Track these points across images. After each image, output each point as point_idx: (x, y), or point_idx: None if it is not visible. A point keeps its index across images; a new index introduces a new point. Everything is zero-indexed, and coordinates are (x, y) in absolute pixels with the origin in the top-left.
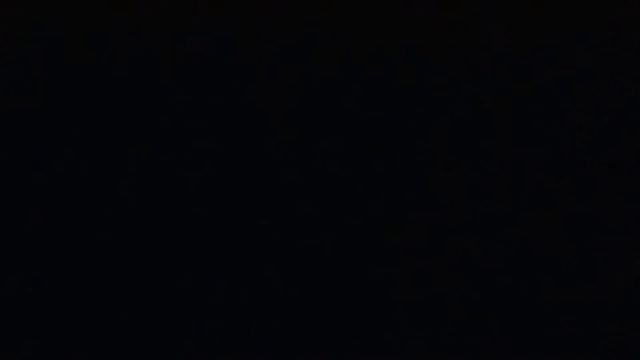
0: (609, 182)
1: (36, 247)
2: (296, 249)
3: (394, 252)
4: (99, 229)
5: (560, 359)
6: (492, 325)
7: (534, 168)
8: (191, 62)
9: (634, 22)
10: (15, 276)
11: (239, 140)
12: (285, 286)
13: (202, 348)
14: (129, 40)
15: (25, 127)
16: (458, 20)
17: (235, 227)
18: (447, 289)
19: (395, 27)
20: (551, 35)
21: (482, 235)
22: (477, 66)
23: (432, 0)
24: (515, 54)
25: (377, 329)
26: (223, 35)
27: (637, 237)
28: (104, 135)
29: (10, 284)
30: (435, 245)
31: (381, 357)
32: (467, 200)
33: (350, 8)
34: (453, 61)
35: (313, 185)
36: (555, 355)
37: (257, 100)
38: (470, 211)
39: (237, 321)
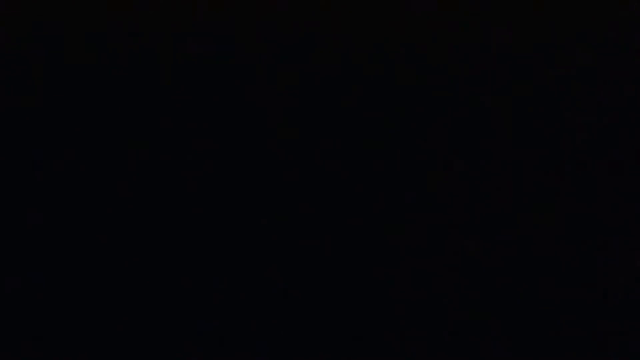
0: (609, 182)
1: (36, 247)
2: (296, 249)
3: (394, 252)
4: (99, 229)
5: (560, 359)
6: (492, 325)
7: (534, 168)
8: (191, 62)
9: (634, 22)
10: (15, 276)
11: (239, 140)
12: (285, 286)
13: (202, 348)
14: (129, 40)
15: (25, 127)
16: (458, 20)
17: (235, 227)
18: (447, 289)
19: (395, 27)
20: (551, 35)
21: (482, 235)
22: (477, 66)
23: (432, 0)
24: (515, 54)
25: (377, 329)
26: (223, 35)
27: (637, 237)
28: (104, 135)
29: (10, 284)
30: (435, 245)
31: (381, 357)
32: (467, 200)
33: (350, 8)
34: (453, 61)
35: (313, 185)
36: (555, 355)
37: (257, 100)
38: (470, 211)
39: (237, 321)
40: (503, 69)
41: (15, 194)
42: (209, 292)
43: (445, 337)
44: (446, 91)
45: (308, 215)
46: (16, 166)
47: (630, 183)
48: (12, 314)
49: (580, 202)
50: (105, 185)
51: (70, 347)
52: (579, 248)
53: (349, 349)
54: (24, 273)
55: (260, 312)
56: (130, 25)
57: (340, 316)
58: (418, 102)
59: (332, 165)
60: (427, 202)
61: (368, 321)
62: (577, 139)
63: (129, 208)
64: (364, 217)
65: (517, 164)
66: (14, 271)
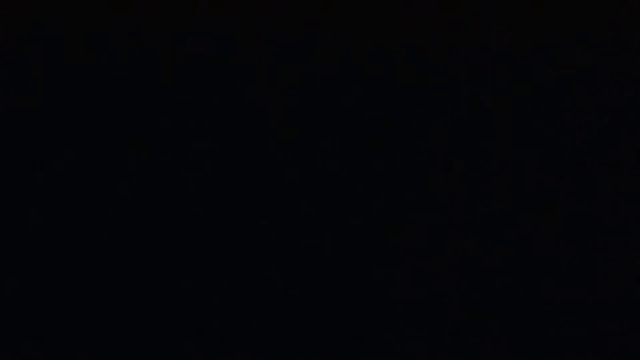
0: (609, 182)
1: (36, 247)
2: (296, 249)
3: (394, 252)
4: (98, 229)
5: (560, 359)
6: (492, 325)
7: (534, 168)
8: (191, 62)
9: (634, 22)
10: (15, 276)
11: (239, 140)
12: (285, 286)
13: (202, 348)
14: (129, 40)
15: (25, 127)
16: (458, 20)
17: (235, 227)
18: (447, 289)
19: (395, 27)
20: (551, 35)
21: (482, 235)
22: (477, 66)
23: (432, 0)
24: (515, 54)
25: (377, 329)
26: (223, 35)
27: (637, 237)
28: (104, 135)
29: (10, 284)
30: (435, 245)
31: (381, 357)
32: (467, 200)
33: (350, 8)
34: (453, 61)
35: (313, 185)
36: (555, 355)
37: (257, 100)
38: (470, 211)
39: (237, 321)
40: (503, 69)
41: (15, 194)
42: (209, 292)
43: (445, 337)
44: (446, 91)
45: (308, 215)
46: (16, 166)
47: (630, 183)
48: (12, 314)
49: (580, 202)
50: (105, 185)
51: (70, 347)
52: (579, 248)
53: (349, 349)
54: (24, 273)
55: (260, 312)
56: (130, 25)
57: (340, 316)
58: (418, 102)
59: (332, 165)
60: (427, 202)
61: (368, 321)
62: (577, 139)
63: (128, 208)
64: (364, 217)
65: (517, 164)
66: (14, 271)
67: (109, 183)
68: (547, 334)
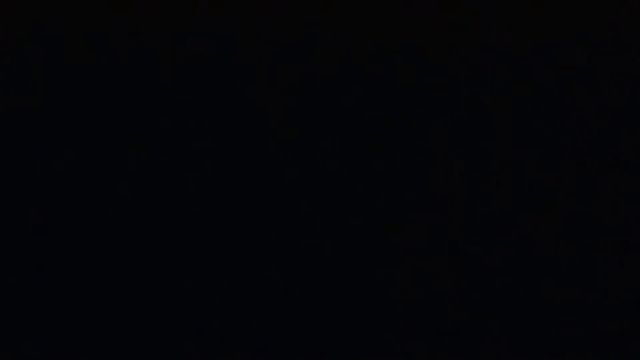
0: (609, 182)
1: (36, 247)
2: (296, 249)
3: (394, 252)
4: (98, 229)
5: (560, 359)
6: (492, 325)
7: (534, 168)
8: (191, 62)
9: (634, 22)
10: (15, 276)
11: (239, 140)
12: (285, 286)
13: (202, 348)
14: (129, 40)
15: (25, 127)
16: (458, 20)
17: (235, 227)
18: (447, 289)
19: (395, 27)
20: (551, 35)
21: (482, 235)
22: (477, 66)
23: (432, 0)
24: (515, 54)
25: (377, 329)
26: (223, 35)
27: (637, 237)
28: (104, 135)
29: (10, 284)
30: (435, 245)
31: (381, 357)
32: (467, 200)
33: (350, 8)
34: (453, 61)
35: (313, 185)
36: (555, 355)
37: (257, 100)
38: (470, 211)
39: (237, 321)
40: (503, 69)
41: (15, 194)
42: (209, 292)
43: (445, 337)
44: (446, 91)
45: (308, 215)
46: (16, 166)
47: (630, 183)
48: (12, 314)
49: (580, 202)
50: (105, 184)
51: (70, 347)
52: (579, 248)
53: (349, 349)
54: (24, 273)
55: (261, 312)
56: (130, 25)
57: (340, 316)
58: (418, 102)
59: (332, 165)
60: (427, 202)
61: (368, 321)
62: (577, 139)
63: (128, 208)
64: (364, 217)
65: (517, 164)
66: (14, 271)
67: (109, 182)
68: (547, 334)
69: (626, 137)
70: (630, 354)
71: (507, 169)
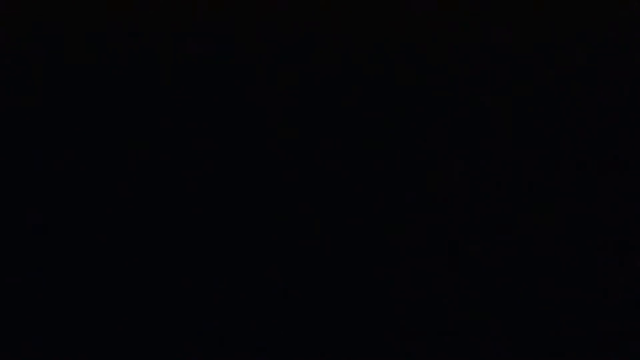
0: (609, 182)
1: (36, 247)
2: (296, 249)
3: (394, 252)
4: (98, 229)
5: (560, 359)
6: (492, 325)
7: (534, 168)
8: (191, 62)
9: (634, 22)
10: (15, 276)
11: (239, 140)
12: (285, 286)
13: (202, 348)
14: (129, 40)
15: (25, 127)
16: (458, 20)
17: (235, 227)
18: (447, 289)
19: (395, 27)
20: (551, 35)
21: (482, 235)
22: (477, 66)
23: (432, 0)
24: (515, 54)
25: (377, 329)
26: (223, 35)
27: (637, 237)
28: (104, 135)
29: (10, 284)
30: (435, 245)
31: (381, 357)
32: (467, 200)
33: (350, 8)
34: (453, 61)
35: (313, 185)
36: (556, 355)
37: (257, 100)
38: (470, 211)
39: (237, 321)
40: (503, 69)
41: (15, 194)
42: (209, 292)
43: (445, 337)
44: (446, 91)
45: (308, 215)
46: (16, 166)
47: (630, 183)
48: (12, 314)
49: (580, 202)
50: (105, 184)
51: (70, 347)
52: (579, 248)
53: (349, 349)
54: (24, 273)
55: (261, 312)
56: (130, 25)
57: (340, 316)
58: (418, 102)
59: (332, 165)
60: (427, 202)
61: (368, 321)
62: (577, 139)
63: (128, 207)
64: (364, 217)
65: (517, 164)
66: (14, 271)
67: (109, 182)
68: (547, 334)
69: (626, 137)
70: (630, 354)
71: (507, 169)
